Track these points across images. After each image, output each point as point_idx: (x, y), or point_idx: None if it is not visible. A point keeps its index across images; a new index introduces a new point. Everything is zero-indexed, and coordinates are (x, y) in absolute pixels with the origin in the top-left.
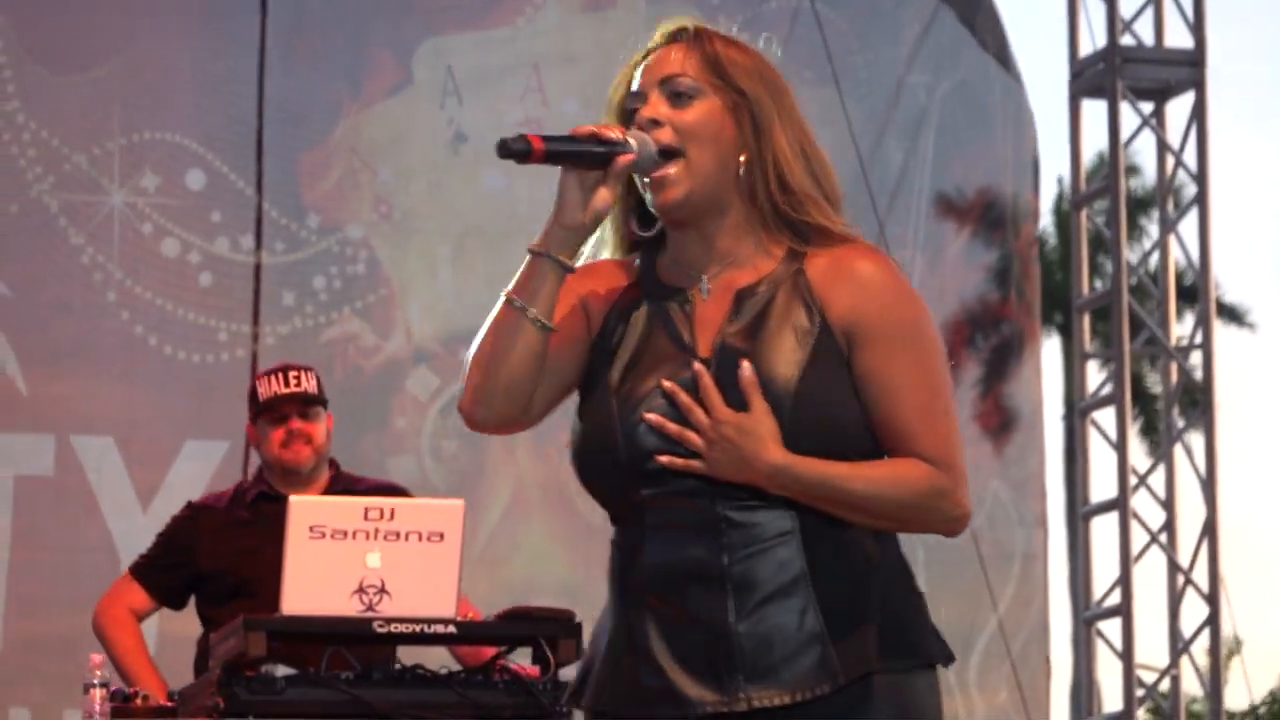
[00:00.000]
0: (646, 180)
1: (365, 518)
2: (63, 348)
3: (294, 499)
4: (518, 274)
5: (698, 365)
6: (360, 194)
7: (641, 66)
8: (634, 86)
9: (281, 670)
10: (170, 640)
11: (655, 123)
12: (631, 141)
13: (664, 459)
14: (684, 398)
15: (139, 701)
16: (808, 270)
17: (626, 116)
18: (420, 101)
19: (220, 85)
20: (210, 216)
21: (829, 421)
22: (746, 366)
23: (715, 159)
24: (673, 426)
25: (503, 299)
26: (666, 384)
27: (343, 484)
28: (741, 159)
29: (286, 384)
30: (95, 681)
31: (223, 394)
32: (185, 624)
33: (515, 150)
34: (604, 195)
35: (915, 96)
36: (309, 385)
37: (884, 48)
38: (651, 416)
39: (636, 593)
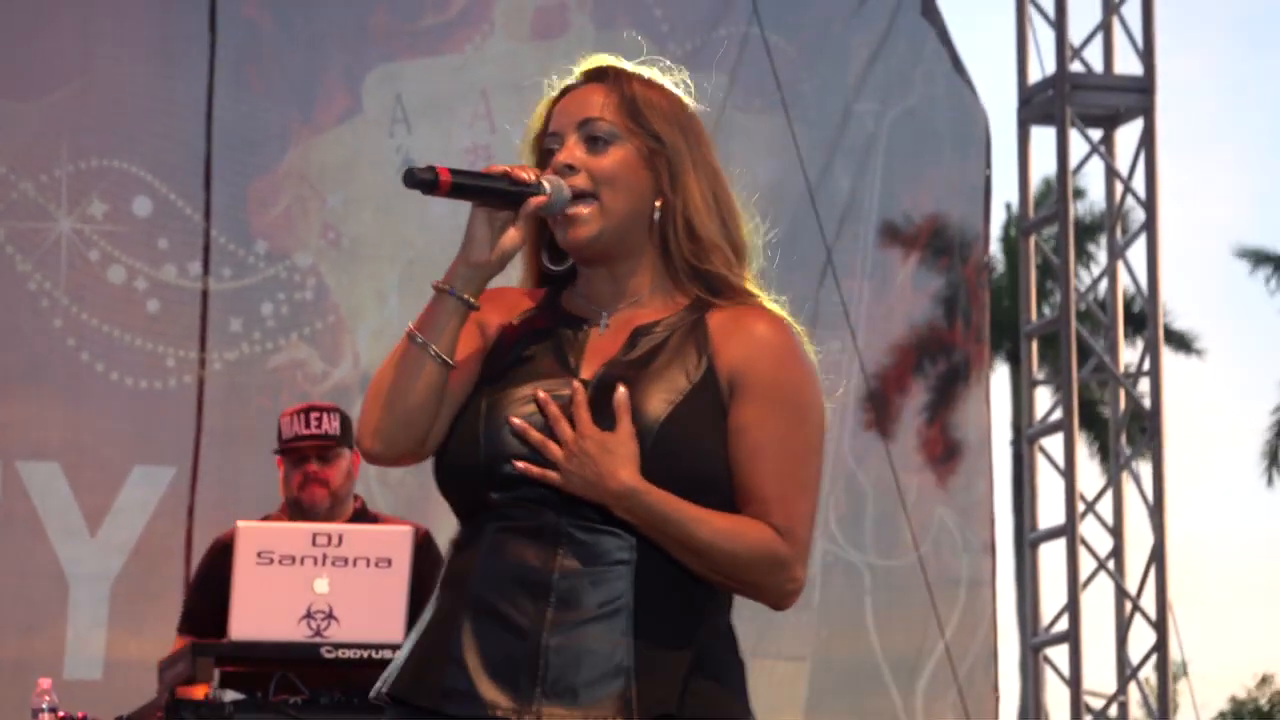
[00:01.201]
0: (558, 216)
1: (313, 544)
2: (9, 374)
3: (240, 524)
4: (424, 314)
5: (576, 383)
6: (309, 221)
7: (559, 105)
8: (551, 126)
9: (230, 695)
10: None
11: (571, 168)
12: (546, 184)
13: (520, 464)
14: (553, 409)
15: None
16: (709, 321)
17: (543, 155)
18: (369, 129)
19: (169, 112)
20: (157, 243)
21: (686, 465)
22: (621, 391)
23: (628, 204)
24: (535, 434)
25: (412, 340)
26: (541, 394)
27: (364, 521)
28: (656, 205)
29: (307, 425)
30: (44, 706)
31: (170, 420)
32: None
33: (421, 180)
34: (513, 235)
35: (863, 124)
36: (329, 427)
37: (832, 75)
38: (516, 420)
39: (460, 589)
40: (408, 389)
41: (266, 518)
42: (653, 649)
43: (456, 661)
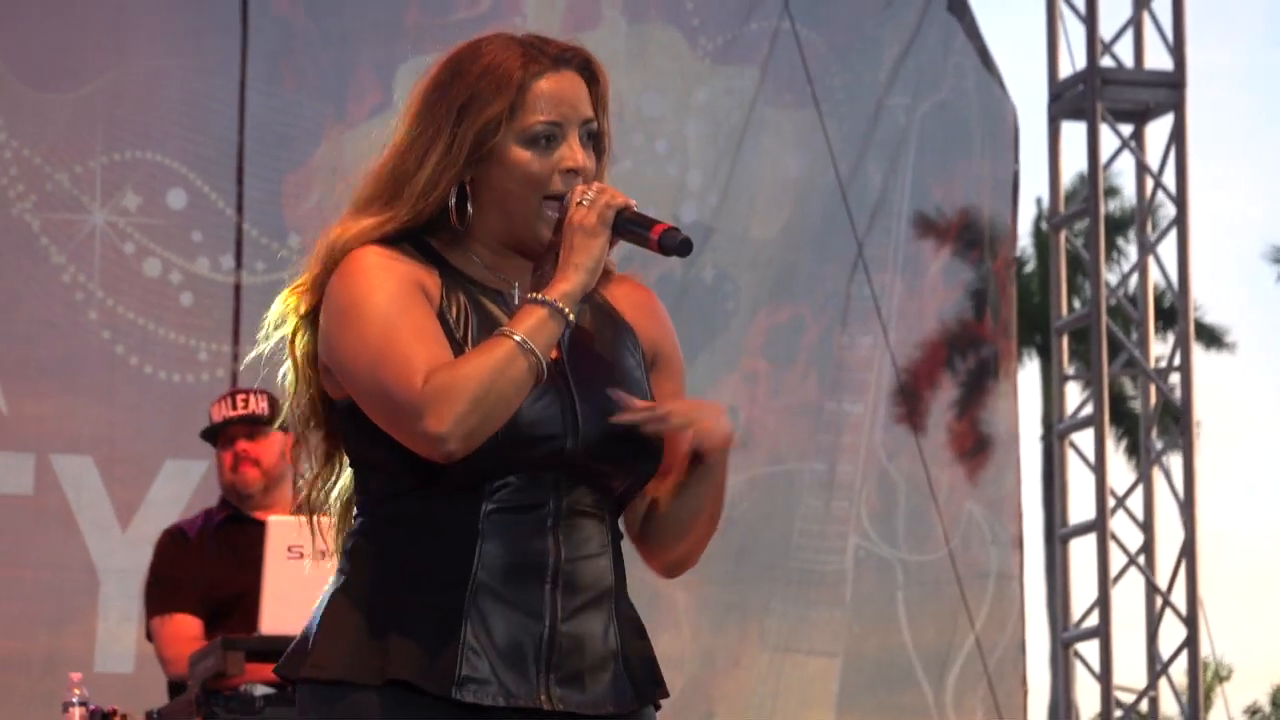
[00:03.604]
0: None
1: None
2: (43, 367)
3: (272, 519)
4: (537, 328)
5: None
6: (341, 214)
7: (551, 89)
8: (551, 114)
9: (260, 689)
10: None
11: (577, 174)
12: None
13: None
14: (628, 398)
15: None
16: (606, 295)
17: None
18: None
19: (203, 105)
20: (191, 236)
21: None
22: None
23: None
24: (641, 401)
25: (529, 355)
26: (618, 394)
27: None
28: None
29: (234, 407)
30: (74, 700)
31: (202, 414)
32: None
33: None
34: None
35: (895, 117)
36: (257, 407)
37: (864, 69)
38: (625, 418)
39: (456, 573)
40: (515, 400)
41: (207, 511)
42: (629, 632)
43: (470, 647)
